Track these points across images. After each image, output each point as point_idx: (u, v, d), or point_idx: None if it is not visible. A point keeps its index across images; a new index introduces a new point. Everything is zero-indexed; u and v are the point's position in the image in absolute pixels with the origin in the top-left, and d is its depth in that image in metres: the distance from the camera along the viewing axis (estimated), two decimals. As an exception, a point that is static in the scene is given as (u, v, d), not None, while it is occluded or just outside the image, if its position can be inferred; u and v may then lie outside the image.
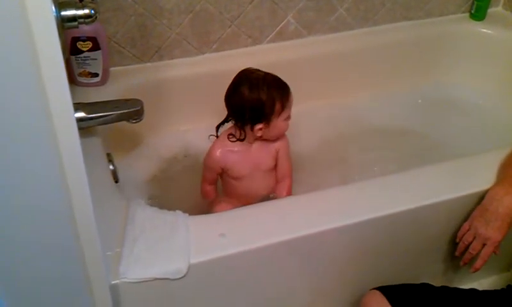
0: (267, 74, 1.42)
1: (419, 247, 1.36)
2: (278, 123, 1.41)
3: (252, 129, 1.41)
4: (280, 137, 1.48)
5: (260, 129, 1.41)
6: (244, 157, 1.47)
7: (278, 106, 1.38)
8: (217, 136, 1.49)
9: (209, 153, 1.48)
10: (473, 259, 1.27)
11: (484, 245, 1.23)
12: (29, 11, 0.64)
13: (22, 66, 0.68)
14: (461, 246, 1.28)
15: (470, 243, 1.25)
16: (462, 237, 1.27)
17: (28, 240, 0.84)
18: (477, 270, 1.26)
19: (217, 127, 1.49)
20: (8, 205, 0.78)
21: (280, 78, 1.42)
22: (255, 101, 1.37)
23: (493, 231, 1.20)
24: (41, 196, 0.80)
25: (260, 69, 1.44)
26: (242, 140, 1.45)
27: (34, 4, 0.64)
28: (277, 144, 1.50)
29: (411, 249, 1.35)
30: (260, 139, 1.45)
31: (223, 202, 1.54)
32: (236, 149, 1.46)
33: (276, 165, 1.53)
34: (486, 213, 1.22)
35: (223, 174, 1.51)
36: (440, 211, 1.27)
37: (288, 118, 1.44)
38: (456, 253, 1.30)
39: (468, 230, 1.26)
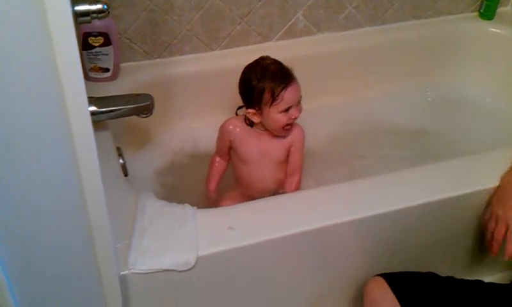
0: (273, 64, 1.44)
1: (426, 243, 1.36)
2: (271, 113, 1.43)
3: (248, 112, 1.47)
4: (278, 130, 1.47)
5: (254, 114, 1.46)
6: (253, 142, 1.51)
7: (267, 95, 1.41)
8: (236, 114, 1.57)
9: (223, 124, 1.55)
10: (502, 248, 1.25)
11: (507, 227, 1.21)
12: (47, 7, 0.66)
13: (39, 60, 0.69)
14: (487, 236, 1.27)
15: (494, 230, 1.24)
16: (487, 227, 1.26)
17: (39, 230, 0.85)
18: (510, 256, 1.22)
19: (238, 109, 1.56)
20: (22, 196, 0.80)
21: (284, 71, 1.43)
22: (246, 84, 1.44)
23: (511, 211, 1.21)
24: (54, 187, 0.81)
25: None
26: (251, 125, 1.50)
27: (52, 1, 0.66)
28: (291, 138, 1.52)
29: (417, 245, 1.36)
30: (263, 127, 1.49)
31: (228, 198, 1.56)
32: (247, 131, 1.51)
33: (287, 159, 1.55)
34: (502, 196, 1.24)
35: (232, 153, 1.56)
36: (446, 208, 1.28)
37: (289, 112, 1.43)
38: (486, 244, 1.28)
39: (490, 218, 1.25)
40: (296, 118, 1.45)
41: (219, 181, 1.60)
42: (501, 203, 1.23)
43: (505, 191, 1.24)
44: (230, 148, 1.55)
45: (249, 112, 1.46)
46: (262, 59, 1.47)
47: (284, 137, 1.51)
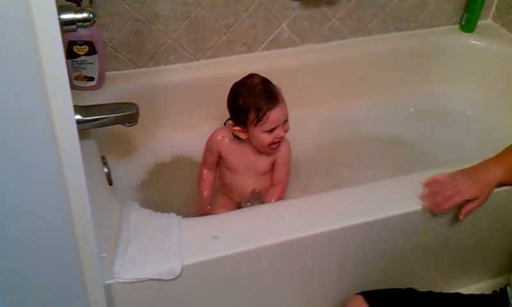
0: (261, 84, 1.44)
1: (407, 253, 1.38)
2: (256, 132, 1.43)
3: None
4: (264, 149, 1.48)
5: (240, 131, 1.46)
6: (240, 153, 1.52)
7: (252, 116, 1.41)
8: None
9: (211, 135, 1.55)
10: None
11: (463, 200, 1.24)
12: (34, 15, 0.66)
13: (25, 68, 0.69)
14: (434, 189, 1.25)
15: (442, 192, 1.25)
16: (438, 181, 1.26)
17: (25, 239, 0.85)
18: (441, 209, 1.24)
19: (227, 121, 1.55)
20: (7, 204, 0.79)
21: (270, 92, 1.42)
22: (233, 102, 1.45)
23: (472, 184, 1.23)
24: (39, 196, 0.81)
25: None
26: (238, 138, 1.49)
27: (38, 8, 0.66)
28: (277, 153, 1.52)
29: (399, 255, 1.37)
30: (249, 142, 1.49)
31: (220, 206, 1.56)
32: (235, 142, 1.51)
33: (273, 170, 1.56)
34: (471, 170, 1.27)
35: (220, 163, 1.56)
36: (427, 218, 1.29)
37: (274, 132, 1.43)
38: (423, 195, 1.27)
39: (450, 182, 1.25)
40: (281, 137, 1.46)
41: (212, 189, 1.61)
42: (466, 173, 1.26)
43: (476, 168, 1.27)
44: (219, 157, 1.56)
45: (235, 129, 1.47)
46: (250, 76, 1.47)
47: (271, 154, 1.51)
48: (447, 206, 1.24)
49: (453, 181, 1.25)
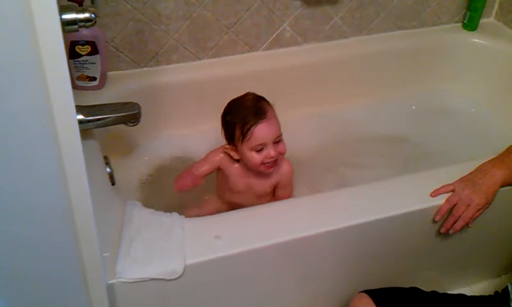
0: (251, 100, 1.39)
1: (409, 252, 1.37)
2: (243, 150, 1.37)
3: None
4: (255, 168, 1.40)
5: (231, 150, 1.41)
6: (239, 175, 1.47)
7: (237, 132, 1.36)
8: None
9: (217, 149, 1.49)
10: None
11: (466, 208, 1.26)
12: (35, 15, 0.66)
13: (27, 68, 0.69)
14: (444, 207, 1.27)
15: (453, 206, 1.27)
16: (448, 200, 1.27)
17: (27, 239, 0.85)
18: (456, 231, 1.28)
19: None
20: (9, 205, 0.80)
21: (258, 107, 1.36)
22: (223, 119, 1.42)
23: (477, 195, 1.25)
24: (42, 196, 0.81)
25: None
26: (237, 160, 1.44)
27: (39, 8, 0.66)
28: (278, 175, 1.46)
29: (401, 254, 1.37)
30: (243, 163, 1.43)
31: (195, 208, 1.54)
32: (235, 164, 1.46)
33: (274, 191, 1.51)
34: (473, 178, 1.28)
35: (219, 176, 1.53)
36: (430, 217, 1.29)
37: (264, 151, 1.36)
38: (437, 217, 1.28)
39: (454, 195, 1.27)
40: (273, 158, 1.37)
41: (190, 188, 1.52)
42: (469, 185, 1.27)
43: (478, 175, 1.28)
44: (217, 169, 1.51)
45: (227, 148, 1.42)
46: (245, 94, 1.42)
47: (268, 174, 1.44)
48: (457, 228, 1.28)
49: (458, 200, 1.26)
